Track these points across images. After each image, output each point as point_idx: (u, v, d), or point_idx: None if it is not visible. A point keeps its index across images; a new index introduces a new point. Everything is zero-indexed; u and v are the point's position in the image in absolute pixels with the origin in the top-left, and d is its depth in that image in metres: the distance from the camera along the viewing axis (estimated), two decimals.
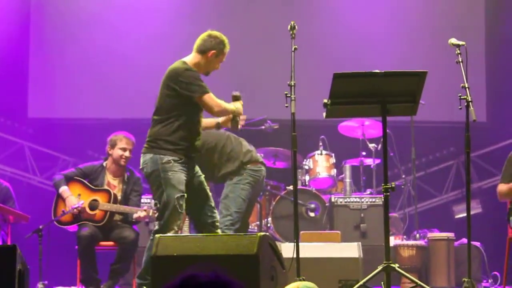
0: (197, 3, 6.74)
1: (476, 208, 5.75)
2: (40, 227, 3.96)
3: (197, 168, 3.55)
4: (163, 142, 3.35)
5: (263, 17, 6.33)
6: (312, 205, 5.03)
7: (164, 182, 3.31)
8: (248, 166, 3.93)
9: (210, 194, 3.61)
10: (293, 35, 3.29)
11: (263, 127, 4.99)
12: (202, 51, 3.43)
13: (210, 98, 3.35)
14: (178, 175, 3.32)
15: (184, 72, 3.36)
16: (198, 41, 3.48)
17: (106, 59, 6.39)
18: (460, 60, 3.21)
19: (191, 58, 3.46)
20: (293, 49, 3.25)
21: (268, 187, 5.09)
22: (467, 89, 3.13)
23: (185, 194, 3.34)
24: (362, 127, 5.18)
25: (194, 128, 3.44)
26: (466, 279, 3.14)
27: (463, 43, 3.24)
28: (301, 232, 4.21)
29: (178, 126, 3.36)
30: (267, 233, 3.21)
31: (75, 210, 3.93)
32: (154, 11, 6.69)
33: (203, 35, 3.48)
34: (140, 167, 3.48)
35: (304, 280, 3.01)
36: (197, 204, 3.50)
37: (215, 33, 3.49)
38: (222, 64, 3.69)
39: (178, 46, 6.37)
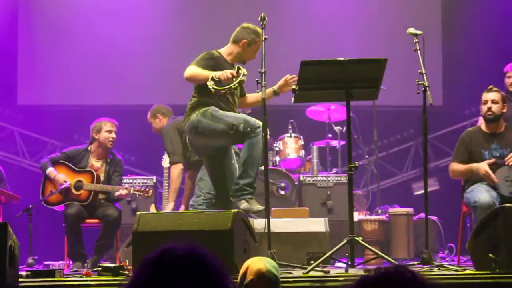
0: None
1: (433, 186, 5.88)
2: (30, 206, 4.13)
3: None
4: None
5: (239, 11, 6.34)
6: (282, 184, 5.10)
7: None
8: None
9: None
10: (263, 26, 3.40)
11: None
12: (235, 41, 3.63)
13: (189, 67, 3.48)
14: None
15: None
16: (234, 33, 3.67)
17: (94, 46, 6.40)
18: (418, 48, 3.38)
19: (226, 48, 3.67)
20: (263, 39, 3.39)
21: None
22: (424, 75, 3.30)
23: None
24: (328, 111, 5.28)
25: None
26: (424, 251, 3.32)
27: (421, 32, 3.41)
28: (272, 209, 4.32)
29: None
30: (240, 210, 3.34)
31: (62, 188, 4.08)
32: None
33: (238, 27, 3.67)
34: None
35: (274, 253, 3.19)
36: None
37: (248, 24, 3.67)
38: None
39: (165, 33, 6.50)
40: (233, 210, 3.17)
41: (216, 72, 3.34)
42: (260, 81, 3.25)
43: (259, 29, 3.55)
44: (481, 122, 3.96)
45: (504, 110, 3.76)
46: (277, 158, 5.23)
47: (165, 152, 4.68)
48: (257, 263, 2.19)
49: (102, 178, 4.26)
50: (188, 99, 3.69)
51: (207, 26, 6.50)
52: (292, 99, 3.37)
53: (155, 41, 6.49)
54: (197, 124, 3.50)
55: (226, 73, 3.29)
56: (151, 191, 4.41)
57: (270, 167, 4.79)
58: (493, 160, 3.68)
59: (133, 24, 6.47)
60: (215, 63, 3.50)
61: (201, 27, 6.56)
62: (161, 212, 4.17)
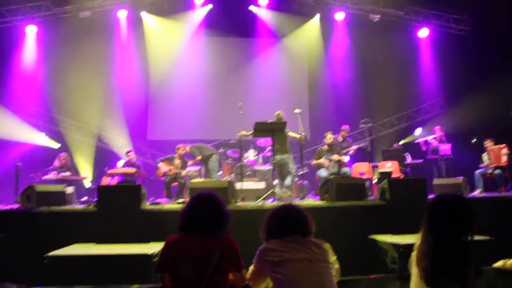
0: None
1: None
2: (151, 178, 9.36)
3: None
4: None
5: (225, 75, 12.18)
6: (248, 170, 10.41)
7: None
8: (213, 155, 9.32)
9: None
10: (241, 110, 8.45)
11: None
12: None
13: None
14: None
15: None
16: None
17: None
18: (299, 117, 8.55)
19: None
20: (239, 106, 8.50)
21: (230, 159, 10.45)
22: (301, 128, 8.51)
23: None
24: (265, 140, 10.49)
25: None
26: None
27: (300, 110, 8.60)
28: (244, 178, 9.52)
29: None
30: (231, 179, 8.47)
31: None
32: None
33: None
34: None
35: (244, 198, 8.33)
36: None
37: None
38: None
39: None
40: (228, 180, 8.32)
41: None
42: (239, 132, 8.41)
43: None
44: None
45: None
46: (246, 159, 10.44)
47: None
48: None
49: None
50: None
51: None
52: (251, 136, 8.51)
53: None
54: None
55: None
56: None
57: (245, 163, 10.05)
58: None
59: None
60: None
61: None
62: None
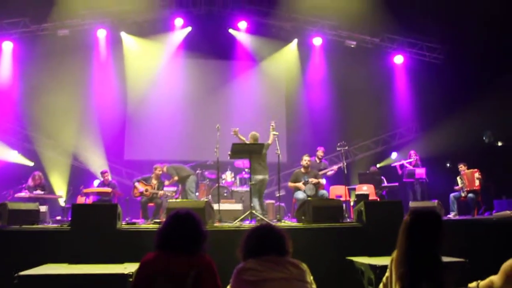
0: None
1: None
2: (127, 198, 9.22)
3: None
4: None
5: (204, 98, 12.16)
6: (225, 191, 10.39)
7: None
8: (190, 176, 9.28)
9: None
10: (218, 132, 8.47)
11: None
12: None
13: None
14: None
15: None
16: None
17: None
18: (276, 139, 8.62)
19: None
20: (217, 127, 8.52)
21: (208, 180, 10.41)
22: (278, 150, 8.55)
23: None
24: (242, 162, 10.53)
25: None
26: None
27: (277, 133, 8.66)
28: (221, 199, 9.46)
29: None
30: (208, 200, 8.44)
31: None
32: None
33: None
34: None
35: (221, 217, 8.28)
36: None
37: None
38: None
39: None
40: (205, 200, 8.28)
41: None
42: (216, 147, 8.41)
43: None
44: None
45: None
46: (224, 180, 10.43)
47: None
48: None
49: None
50: None
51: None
52: (228, 157, 8.51)
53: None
54: None
55: None
56: None
57: (222, 184, 10.04)
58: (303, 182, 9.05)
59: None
60: None
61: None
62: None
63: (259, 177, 8.58)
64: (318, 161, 10.26)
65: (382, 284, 3.37)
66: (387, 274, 3.30)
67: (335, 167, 10.10)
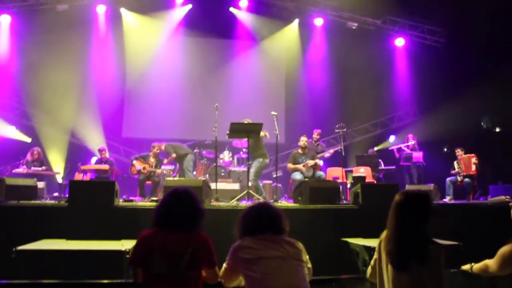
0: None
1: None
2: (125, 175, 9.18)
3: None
4: None
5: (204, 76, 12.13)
6: (222, 171, 10.41)
7: None
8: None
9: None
10: (217, 111, 8.41)
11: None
12: None
13: None
14: None
15: None
16: None
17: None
18: (275, 119, 8.61)
19: None
20: (215, 106, 8.46)
21: (205, 160, 10.41)
22: (276, 130, 8.54)
23: None
24: (240, 142, 10.51)
25: None
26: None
27: (276, 113, 8.64)
28: (219, 179, 9.46)
29: None
30: (205, 179, 8.45)
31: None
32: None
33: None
34: None
35: (218, 198, 8.31)
36: None
37: None
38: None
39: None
40: (203, 179, 8.29)
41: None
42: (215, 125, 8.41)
43: None
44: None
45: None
46: (221, 160, 10.44)
47: None
48: None
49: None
50: None
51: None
52: (227, 136, 8.49)
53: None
54: None
55: None
56: None
57: (220, 164, 10.05)
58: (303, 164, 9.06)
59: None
60: None
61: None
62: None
63: (260, 159, 8.62)
64: (315, 143, 10.26)
65: (370, 267, 3.40)
66: (375, 256, 3.33)
67: (331, 150, 10.11)
